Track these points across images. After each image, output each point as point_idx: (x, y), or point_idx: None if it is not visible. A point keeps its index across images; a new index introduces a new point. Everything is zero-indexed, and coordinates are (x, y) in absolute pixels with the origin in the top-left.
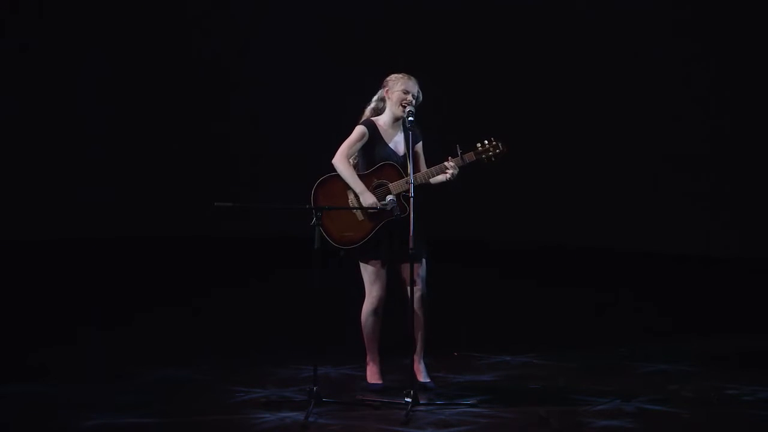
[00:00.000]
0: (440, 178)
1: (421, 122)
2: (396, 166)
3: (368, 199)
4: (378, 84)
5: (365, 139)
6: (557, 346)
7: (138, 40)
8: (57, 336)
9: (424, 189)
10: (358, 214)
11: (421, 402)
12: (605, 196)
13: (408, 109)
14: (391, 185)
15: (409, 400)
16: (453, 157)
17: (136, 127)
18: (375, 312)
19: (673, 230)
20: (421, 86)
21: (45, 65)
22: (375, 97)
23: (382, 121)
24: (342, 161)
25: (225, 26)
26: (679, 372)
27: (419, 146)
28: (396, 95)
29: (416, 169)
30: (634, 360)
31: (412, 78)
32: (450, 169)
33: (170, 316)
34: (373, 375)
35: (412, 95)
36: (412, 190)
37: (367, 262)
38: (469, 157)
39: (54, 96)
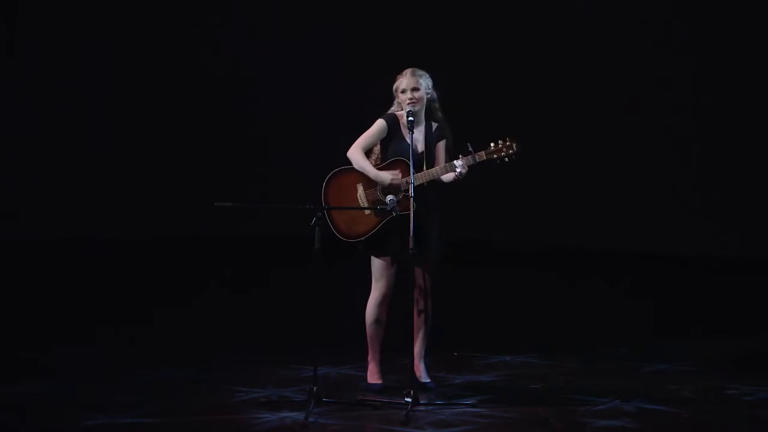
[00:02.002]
0: (450, 176)
1: (450, 121)
2: (407, 163)
3: (385, 177)
4: (391, 83)
5: (384, 133)
6: (557, 346)
7: (139, 40)
8: (57, 336)
9: (438, 186)
10: (364, 206)
11: (421, 402)
12: (605, 196)
13: (407, 109)
14: (399, 180)
15: (409, 400)
16: (464, 156)
17: (135, 127)
18: (379, 306)
19: (673, 230)
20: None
21: (45, 64)
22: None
23: (405, 117)
24: (356, 151)
25: (226, 26)
26: (679, 372)
27: (442, 144)
28: (399, 97)
29: (431, 167)
30: (634, 360)
31: (409, 72)
32: (459, 168)
33: (170, 316)
34: (373, 375)
35: (411, 89)
36: (411, 190)
37: (377, 257)
38: (480, 156)
39: (54, 96)
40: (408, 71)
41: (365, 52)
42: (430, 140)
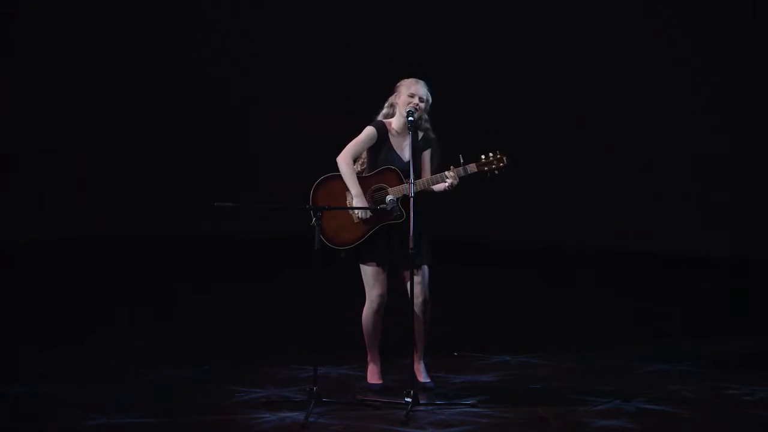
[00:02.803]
0: (440, 186)
1: (438, 131)
2: (396, 171)
3: (357, 203)
4: (384, 88)
5: (373, 140)
6: (557, 346)
7: (139, 40)
8: (57, 336)
9: (425, 194)
10: (355, 215)
11: (421, 402)
12: (605, 196)
13: (408, 109)
14: (390, 190)
15: (409, 400)
16: (455, 167)
17: (136, 128)
18: (375, 314)
19: (673, 230)
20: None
21: (45, 65)
22: (387, 103)
23: (394, 124)
24: (344, 160)
25: (226, 26)
26: (679, 372)
27: (427, 153)
28: (402, 99)
29: (418, 175)
30: (634, 360)
31: (421, 81)
32: (449, 179)
33: (170, 316)
34: (373, 375)
35: (419, 98)
36: (412, 191)
37: (365, 263)
38: (471, 168)
39: (54, 96)
40: (421, 81)
41: (364, 53)
42: (416, 149)
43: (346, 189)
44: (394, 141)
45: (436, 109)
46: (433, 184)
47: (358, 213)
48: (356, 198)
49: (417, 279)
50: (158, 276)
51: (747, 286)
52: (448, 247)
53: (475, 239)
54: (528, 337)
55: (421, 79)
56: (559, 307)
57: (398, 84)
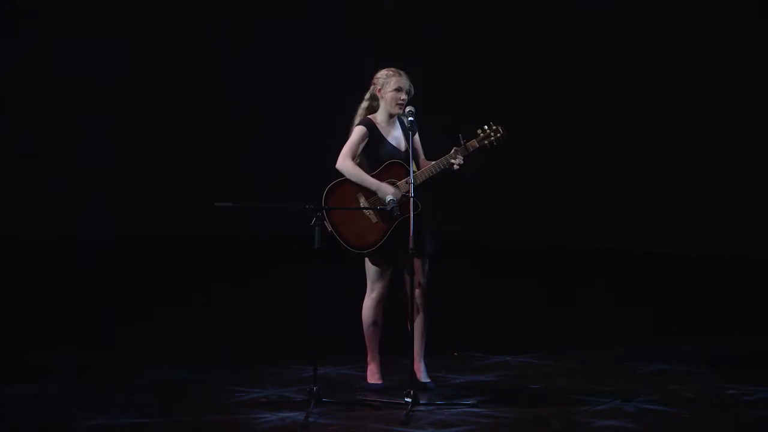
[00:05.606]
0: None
1: (416, 114)
2: (403, 164)
3: (387, 190)
4: (368, 80)
5: (366, 138)
6: (557, 346)
7: (138, 40)
8: (57, 336)
9: (433, 183)
10: (372, 216)
11: (421, 402)
12: (605, 196)
13: (408, 109)
14: (399, 183)
15: (409, 400)
16: (457, 147)
17: (136, 128)
18: (376, 308)
19: (673, 230)
20: (423, 84)
21: (44, 65)
22: (367, 96)
23: (380, 118)
24: (346, 163)
25: (225, 27)
26: (679, 372)
27: (416, 138)
28: (390, 95)
29: (417, 160)
30: (634, 360)
31: (402, 72)
32: (455, 161)
33: (170, 316)
34: (373, 375)
35: (405, 91)
36: (411, 190)
37: (375, 262)
38: (472, 144)
39: (54, 96)
40: (402, 72)
41: (362, 51)
42: (407, 136)
43: (356, 191)
44: (385, 134)
45: (436, 107)
46: (438, 171)
47: (369, 213)
48: (379, 189)
49: (418, 271)
50: (158, 276)
51: (747, 286)
52: (447, 246)
53: (475, 239)
54: (528, 337)
55: (413, 71)
56: (560, 306)
57: (377, 76)
